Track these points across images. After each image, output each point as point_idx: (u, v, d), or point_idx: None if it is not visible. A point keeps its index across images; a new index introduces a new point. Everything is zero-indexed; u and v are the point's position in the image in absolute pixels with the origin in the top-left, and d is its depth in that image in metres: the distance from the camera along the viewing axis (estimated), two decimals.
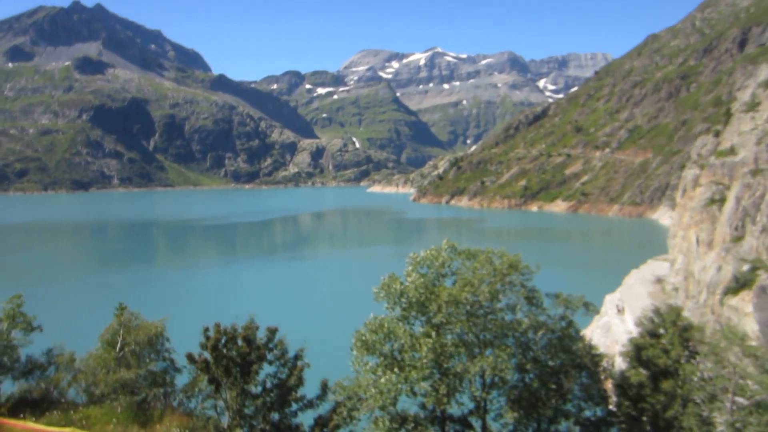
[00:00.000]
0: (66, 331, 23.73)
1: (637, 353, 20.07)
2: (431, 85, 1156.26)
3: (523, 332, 18.22)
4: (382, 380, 15.93)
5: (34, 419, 18.34)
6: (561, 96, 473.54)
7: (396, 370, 16.21)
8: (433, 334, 16.91)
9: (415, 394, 16.50)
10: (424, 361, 16.19)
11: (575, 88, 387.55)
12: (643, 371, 19.34)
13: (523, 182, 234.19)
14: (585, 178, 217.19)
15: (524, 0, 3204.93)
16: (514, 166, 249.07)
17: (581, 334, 19.82)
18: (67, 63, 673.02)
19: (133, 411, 18.85)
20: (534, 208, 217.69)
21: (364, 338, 16.99)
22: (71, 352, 21.48)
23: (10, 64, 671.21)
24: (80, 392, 20.80)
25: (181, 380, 20.84)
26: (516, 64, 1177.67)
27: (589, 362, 18.70)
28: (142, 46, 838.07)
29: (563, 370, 18.13)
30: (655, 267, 78.39)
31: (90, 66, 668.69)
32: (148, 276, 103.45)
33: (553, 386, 17.83)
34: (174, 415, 18.91)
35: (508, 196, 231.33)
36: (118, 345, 20.50)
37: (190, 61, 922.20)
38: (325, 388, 18.12)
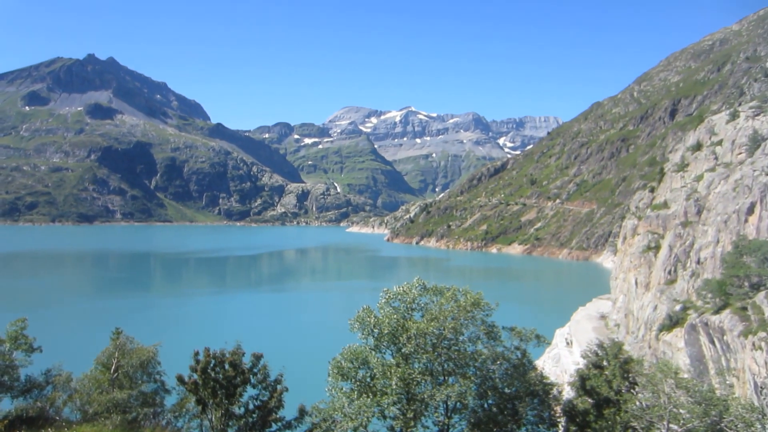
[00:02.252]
0: (65, 352, 22.92)
1: (582, 383, 20.07)
2: (405, 139, 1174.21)
3: (483, 362, 18.18)
4: (356, 404, 15.69)
5: None
6: (518, 152, 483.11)
7: (368, 395, 15.99)
8: (403, 363, 16.77)
9: (385, 417, 16.25)
10: (394, 387, 16.02)
11: (530, 146, 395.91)
12: (588, 399, 19.32)
13: (484, 227, 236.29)
14: (538, 224, 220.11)
15: (488, 68, 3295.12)
16: (477, 213, 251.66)
17: (534, 364, 19.80)
18: (79, 108, 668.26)
19: (124, 429, 18.16)
20: (494, 249, 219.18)
21: (339, 365, 16.78)
22: (68, 373, 20.69)
23: (27, 108, 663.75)
24: (75, 411, 19.98)
25: (170, 401, 20.22)
26: (479, 123, 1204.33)
27: (541, 390, 18.64)
28: (149, 96, 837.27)
29: (518, 396, 18.05)
30: (599, 305, 78.94)
31: (100, 112, 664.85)
32: (144, 303, 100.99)
33: (510, 411, 17.72)
34: None
35: (471, 238, 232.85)
36: (113, 367, 19.87)
37: (191, 111, 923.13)
38: (302, 411, 17.72)
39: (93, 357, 21.24)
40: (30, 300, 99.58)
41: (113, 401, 18.46)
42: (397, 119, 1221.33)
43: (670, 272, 52.54)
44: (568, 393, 21.17)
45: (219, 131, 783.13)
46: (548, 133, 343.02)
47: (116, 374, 19.63)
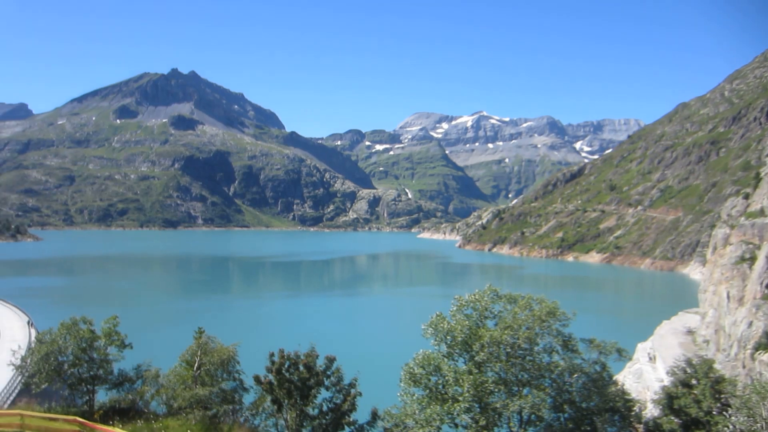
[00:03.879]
0: (152, 349, 24.33)
1: (669, 401, 19.04)
2: (477, 144, 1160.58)
3: (559, 374, 17.64)
4: (428, 411, 15.67)
5: (121, 426, 18.74)
6: (596, 157, 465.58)
7: (440, 402, 15.94)
8: (475, 371, 16.60)
9: (456, 425, 16.14)
10: (466, 395, 15.87)
11: (609, 150, 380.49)
12: (675, 419, 18.30)
13: (560, 234, 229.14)
14: (618, 232, 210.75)
15: (564, 69, 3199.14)
16: (552, 219, 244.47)
17: (614, 378, 19.01)
18: (164, 120, 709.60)
19: (205, 424, 19.03)
20: (570, 258, 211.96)
21: (412, 371, 16.82)
22: (156, 369, 21.98)
23: (118, 121, 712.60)
24: (161, 404, 21.18)
25: (248, 399, 20.98)
26: (554, 127, 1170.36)
27: (622, 406, 17.85)
28: (227, 107, 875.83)
29: (597, 411, 17.36)
30: (686, 319, 74.46)
31: (183, 123, 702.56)
32: (223, 304, 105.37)
33: (587, 427, 17.08)
34: (241, 430, 18.99)
35: (546, 246, 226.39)
36: (196, 364, 20.90)
37: (267, 120, 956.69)
38: (375, 415, 17.92)
39: (177, 354, 22.46)
40: (121, 299, 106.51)
41: (196, 397, 19.42)
42: (469, 124, 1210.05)
43: (767, 286, 48.82)
44: (650, 411, 20.15)
45: (293, 139, 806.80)
46: (629, 136, 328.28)
47: (199, 371, 20.64)
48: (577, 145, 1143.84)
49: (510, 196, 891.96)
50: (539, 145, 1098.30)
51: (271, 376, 17.70)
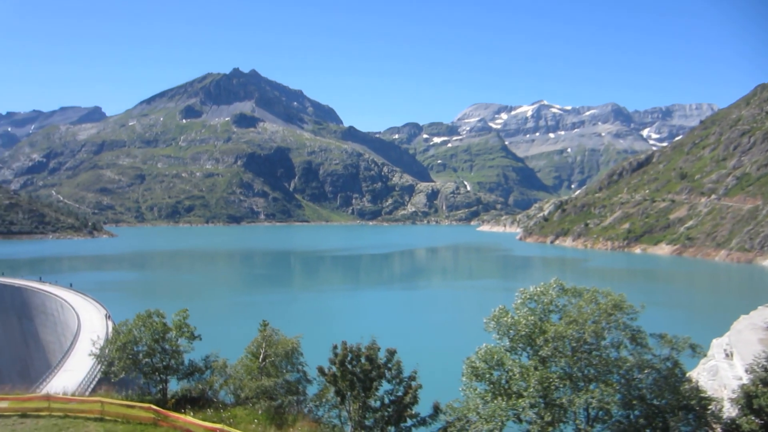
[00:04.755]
0: (218, 340, 25.27)
1: (748, 401, 18.00)
2: (537, 134, 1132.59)
3: (628, 370, 17.00)
4: (491, 405, 15.50)
5: (192, 414, 19.58)
6: (665, 144, 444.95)
7: (504, 397, 15.74)
8: (540, 366, 16.28)
9: (521, 420, 15.89)
10: (531, 390, 15.59)
11: (680, 137, 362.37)
12: (756, 420, 17.29)
13: (626, 225, 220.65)
14: (690, 223, 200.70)
15: (629, 54, 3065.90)
16: (618, 210, 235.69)
17: (687, 375, 18.15)
18: (227, 119, 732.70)
19: (271, 414, 19.59)
20: (637, 250, 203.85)
21: (474, 365, 16.68)
22: (224, 360, 22.82)
23: (184, 121, 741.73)
24: (229, 394, 21.98)
25: (311, 390, 21.41)
26: (620, 114, 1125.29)
27: (696, 405, 17.02)
28: (287, 104, 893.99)
29: (669, 409, 16.63)
30: (766, 314, 70.19)
31: (245, 121, 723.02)
32: (285, 297, 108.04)
33: (659, 425, 16.40)
34: (305, 421, 19.43)
35: (612, 238, 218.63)
36: (261, 356, 21.55)
37: (325, 115, 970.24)
38: (437, 408, 17.90)
39: (242, 346, 23.23)
40: (189, 293, 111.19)
41: (262, 388, 20.04)
42: (529, 114, 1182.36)
43: None
44: (727, 410, 19.12)
45: (351, 134, 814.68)
46: (701, 121, 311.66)
47: (264, 363, 21.29)
48: (645, 133, 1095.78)
49: (572, 186, 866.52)
50: (603, 134, 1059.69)
51: (334, 368, 18.01)
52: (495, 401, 15.70)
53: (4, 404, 20.47)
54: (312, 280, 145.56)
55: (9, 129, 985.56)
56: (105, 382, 25.51)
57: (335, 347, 18.32)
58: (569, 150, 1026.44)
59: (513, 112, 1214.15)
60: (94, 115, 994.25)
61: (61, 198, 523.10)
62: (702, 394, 17.47)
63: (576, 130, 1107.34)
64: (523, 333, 16.65)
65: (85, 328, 43.51)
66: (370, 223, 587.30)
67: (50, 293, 63.06)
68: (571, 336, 16.47)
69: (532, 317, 16.87)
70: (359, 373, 17.72)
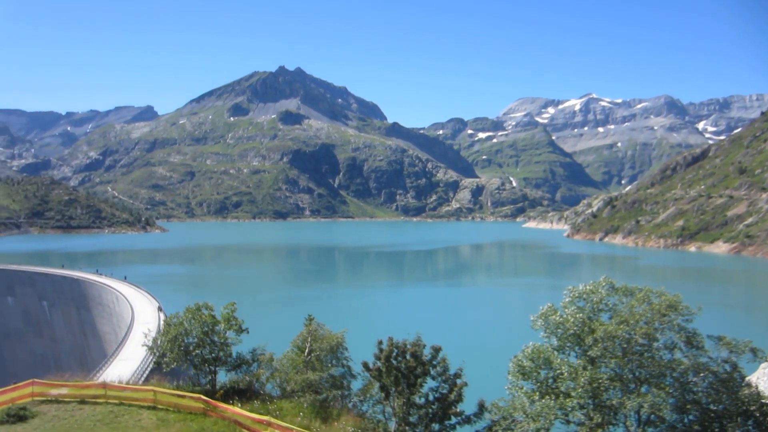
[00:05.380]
0: (265, 334, 25.72)
1: None
2: (586, 128, 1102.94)
3: (682, 373, 16.33)
4: (538, 405, 15.22)
5: (239, 405, 20.02)
6: (723, 137, 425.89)
7: (551, 397, 15.41)
8: (589, 366, 15.86)
9: (569, 421, 15.52)
10: (580, 391, 15.21)
11: (739, 130, 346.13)
12: None
13: (680, 222, 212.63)
14: (750, 220, 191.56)
15: (683, 43, 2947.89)
16: (671, 206, 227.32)
17: (747, 380, 17.30)
18: (273, 116, 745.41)
19: (316, 408, 19.82)
20: (692, 248, 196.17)
21: (520, 364, 16.40)
22: (271, 353, 23.23)
23: (231, 119, 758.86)
24: (275, 387, 22.36)
25: (356, 385, 21.53)
26: (673, 107, 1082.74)
27: (756, 410, 16.20)
28: (331, 101, 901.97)
29: (727, 415, 15.89)
30: None
31: (290, 118, 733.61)
32: (330, 292, 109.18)
33: (716, 431, 15.71)
34: (349, 416, 19.56)
35: (664, 235, 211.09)
36: (306, 350, 21.81)
37: (369, 112, 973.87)
38: (482, 406, 17.71)
39: (287, 339, 23.56)
40: (236, 286, 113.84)
41: (307, 381, 20.29)
42: (577, 108, 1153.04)
43: None
44: None
45: (395, 130, 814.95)
46: (762, 113, 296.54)
47: (309, 357, 21.54)
48: (700, 126, 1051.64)
49: (623, 182, 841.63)
50: (656, 127, 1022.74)
51: (379, 364, 18.05)
52: (542, 400, 15.40)
53: (64, 391, 21.45)
54: (356, 275, 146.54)
55: (68, 128, 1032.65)
56: (157, 372, 26.39)
57: (380, 343, 18.35)
58: (619, 144, 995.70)
59: (560, 106, 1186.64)
60: (147, 114, 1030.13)
61: (116, 194, 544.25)
62: (763, 400, 16.65)
63: (627, 123, 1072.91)
64: (572, 332, 16.25)
65: (138, 320, 45.13)
66: (414, 219, 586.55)
67: (106, 285, 65.67)
68: (622, 336, 15.99)
69: (581, 316, 16.44)
70: (404, 369, 17.71)
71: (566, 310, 16.79)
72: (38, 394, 21.29)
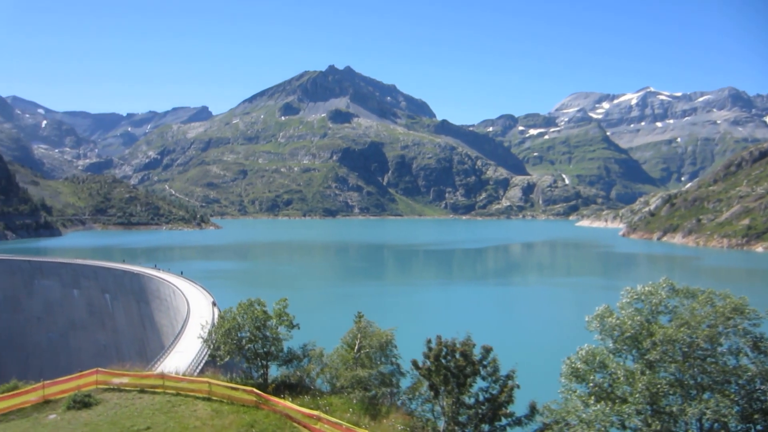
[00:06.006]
0: (315, 330, 26.06)
1: None
2: (643, 123, 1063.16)
3: (749, 380, 15.51)
4: (592, 410, 14.77)
5: (290, 399, 20.36)
6: None
7: (607, 401, 14.93)
8: (647, 370, 15.28)
9: (625, 427, 15.00)
10: (637, 396, 14.67)
11: None
12: None
13: (746, 221, 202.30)
14: None
15: (748, 32, 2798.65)
16: (736, 204, 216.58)
17: None
18: (323, 115, 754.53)
19: (365, 404, 19.92)
20: (759, 248, 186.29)
21: (574, 366, 15.95)
22: (321, 348, 23.53)
23: (282, 118, 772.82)
24: (325, 382, 22.61)
25: (404, 383, 21.52)
26: (738, 99, 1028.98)
27: None
28: (380, 99, 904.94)
29: None
30: None
31: (340, 117, 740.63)
32: (378, 290, 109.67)
33: None
34: (398, 413, 19.57)
35: (728, 235, 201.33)
36: (356, 347, 21.97)
37: (418, 109, 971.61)
38: (533, 409, 17.37)
39: (336, 335, 23.79)
40: (288, 282, 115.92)
41: (356, 378, 20.43)
42: (633, 102, 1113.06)
43: None
44: None
45: (444, 127, 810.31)
46: None
47: (359, 354, 21.68)
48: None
49: (683, 179, 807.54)
50: (719, 121, 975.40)
51: (428, 362, 17.98)
52: (597, 405, 14.94)
53: (125, 380, 22.40)
54: (405, 273, 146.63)
55: (129, 129, 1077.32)
56: (211, 365, 27.14)
57: (429, 341, 18.27)
58: (679, 140, 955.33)
59: (615, 101, 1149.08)
60: (202, 114, 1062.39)
61: (173, 192, 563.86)
62: None
63: (687, 117, 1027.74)
64: (629, 334, 15.69)
65: (194, 313, 46.51)
66: (464, 217, 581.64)
67: (164, 280, 68.07)
68: (683, 340, 15.31)
69: (639, 318, 15.85)
70: (453, 368, 17.57)
71: (623, 311, 16.23)
72: (102, 382, 22.32)
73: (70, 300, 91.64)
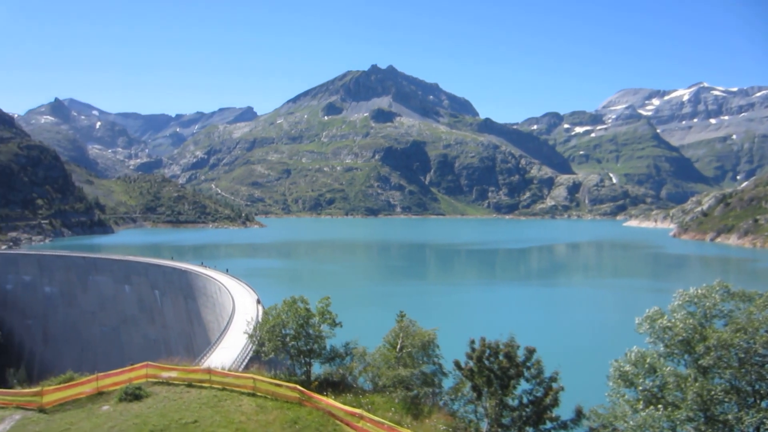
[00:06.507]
0: (356, 328, 26.21)
1: None
2: (695, 120, 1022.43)
3: None
4: (642, 415, 14.32)
5: (333, 397, 20.55)
6: None
7: (657, 407, 14.45)
8: (700, 376, 14.70)
9: None
10: (689, 402, 14.14)
11: None
12: None
13: None
14: None
15: None
16: None
17: None
18: (365, 114, 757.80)
19: (407, 404, 19.92)
20: None
21: (622, 370, 15.51)
22: (363, 347, 23.66)
23: (326, 117, 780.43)
24: (367, 381, 22.73)
25: (447, 383, 21.40)
26: None
27: None
28: (423, 98, 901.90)
29: None
30: None
31: (382, 116, 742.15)
32: (420, 289, 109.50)
33: None
34: (440, 414, 19.49)
35: None
36: (398, 346, 22.00)
37: (461, 108, 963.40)
38: (580, 413, 17.01)
39: (377, 334, 23.87)
40: (330, 281, 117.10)
41: (399, 377, 20.45)
42: (685, 98, 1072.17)
43: None
44: None
45: (487, 126, 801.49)
46: None
47: (401, 353, 21.70)
48: None
49: (738, 177, 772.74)
50: None
51: (471, 363, 17.83)
52: (647, 410, 14.48)
53: (173, 374, 23.09)
54: (447, 273, 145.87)
55: (177, 129, 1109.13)
56: (256, 361, 27.66)
57: (472, 342, 18.12)
58: (734, 137, 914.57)
59: (666, 97, 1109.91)
60: (247, 114, 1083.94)
61: (219, 191, 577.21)
62: None
63: (743, 114, 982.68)
64: (681, 338, 15.12)
65: (239, 310, 47.46)
66: (507, 216, 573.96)
67: (210, 277, 69.76)
68: (739, 345, 14.67)
69: (692, 321, 15.27)
70: (497, 370, 17.38)
71: (675, 314, 15.67)
72: (151, 375, 23.07)
73: (121, 295, 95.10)
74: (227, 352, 32.54)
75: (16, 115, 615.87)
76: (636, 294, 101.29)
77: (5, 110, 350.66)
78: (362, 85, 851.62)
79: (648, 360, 15.21)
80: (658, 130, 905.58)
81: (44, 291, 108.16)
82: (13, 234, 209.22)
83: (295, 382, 21.50)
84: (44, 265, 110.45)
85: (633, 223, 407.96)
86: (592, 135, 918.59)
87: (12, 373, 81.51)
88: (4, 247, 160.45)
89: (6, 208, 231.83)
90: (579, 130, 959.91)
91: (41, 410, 20.31)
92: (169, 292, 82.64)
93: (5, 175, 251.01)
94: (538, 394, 17.49)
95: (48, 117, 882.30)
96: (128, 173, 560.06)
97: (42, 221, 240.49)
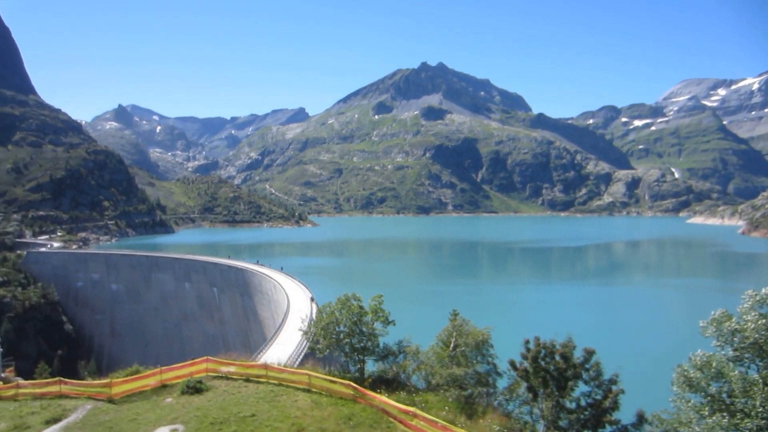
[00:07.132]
0: (409, 326, 26.23)
1: None
2: (766, 110, 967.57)
3: None
4: (708, 422, 13.69)
5: (386, 395, 20.63)
6: None
7: (725, 414, 13.76)
8: None
9: None
10: (759, 410, 13.40)
11: None
12: None
13: None
14: None
15: None
16: None
17: None
18: (416, 112, 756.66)
19: (461, 403, 19.75)
20: None
21: (687, 374, 14.84)
22: (417, 345, 23.63)
23: (376, 116, 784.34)
24: (421, 379, 22.68)
25: (501, 384, 21.10)
26: None
27: None
28: (473, 94, 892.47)
29: None
30: None
31: (432, 113, 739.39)
32: (473, 288, 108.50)
33: None
34: (495, 414, 19.23)
35: None
36: (452, 345, 21.85)
37: (513, 104, 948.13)
38: (641, 417, 16.39)
39: (430, 333, 23.78)
40: (382, 279, 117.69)
41: (452, 376, 20.30)
42: (755, 87, 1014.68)
43: None
44: None
45: (540, 121, 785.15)
46: None
47: (454, 352, 21.55)
48: None
49: None
50: None
51: (526, 363, 17.52)
52: (713, 417, 13.82)
53: (232, 369, 23.82)
54: (500, 271, 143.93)
55: (232, 132, 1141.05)
56: (310, 357, 28.11)
57: (527, 342, 17.79)
58: None
59: (733, 87, 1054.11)
60: (299, 115, 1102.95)
61: (273, 191, 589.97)
62: None
63: None
64: (752, 341, 14.34)
65: (293, 308, 48.38)
66: (562, 214, 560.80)
67: (266, 275, 71.41)
68: None
69: (764, 323, 14.45)
70: (553, 370, 17.00)
71: (745, 316, 14.86)
72: (211, 370, 23.87)
73: (182, 292, 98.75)
74: (283, 348, 33.21)
75: (83, 122, 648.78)
76: (701, 294, 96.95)
77: (74, 117, 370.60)
78: (412, 82, 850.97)
79: (714, 364, 14.52)
80: (725, 122, 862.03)
81: (111, 288, 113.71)
82: (83, 234, 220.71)
83: (349, 379, 21.72)
84: (111, 264, 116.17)
85: (697, 219, 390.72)
86: (653, 128, 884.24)
87: (83, 365, 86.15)
88: (74, 246, 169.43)
89: (76, 210, 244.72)
90: (638, 123, 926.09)
91: (110, 401, 21.41)
92: (227, 290, 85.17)
93: (75, 179, 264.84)
94: (597, 397, 16.99)
95: (112, 123, 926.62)
96: (187, 175, 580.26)
97: (108, 222, 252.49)
